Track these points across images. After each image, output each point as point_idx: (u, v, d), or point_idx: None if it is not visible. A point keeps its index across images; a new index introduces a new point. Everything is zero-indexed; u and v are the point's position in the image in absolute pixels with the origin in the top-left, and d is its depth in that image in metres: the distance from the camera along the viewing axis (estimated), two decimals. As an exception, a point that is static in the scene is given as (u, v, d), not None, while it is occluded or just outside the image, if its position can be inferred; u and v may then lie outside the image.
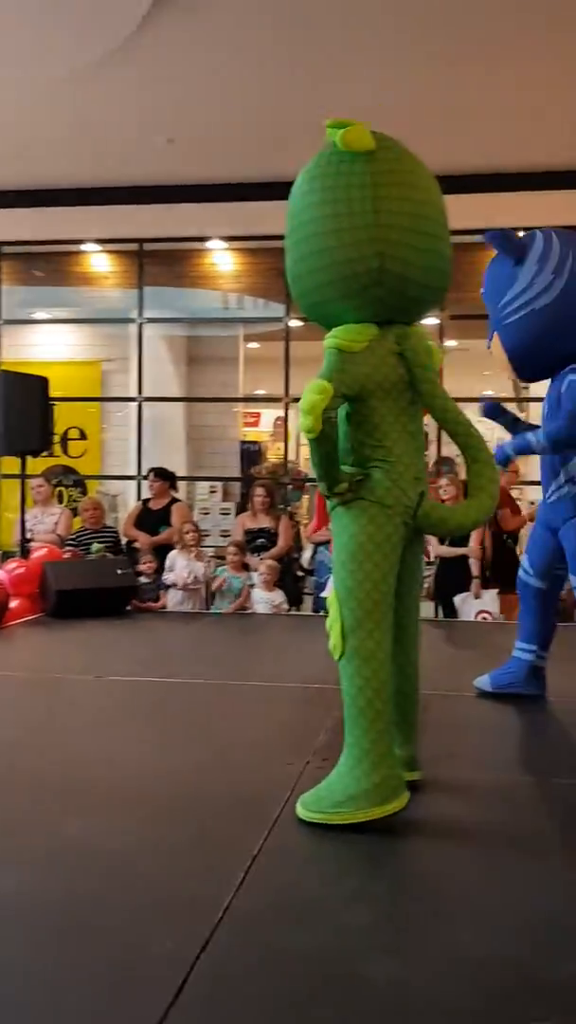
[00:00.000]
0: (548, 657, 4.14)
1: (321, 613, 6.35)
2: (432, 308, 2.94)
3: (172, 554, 6.87)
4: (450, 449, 9.28)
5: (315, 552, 7.09)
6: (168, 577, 6.79)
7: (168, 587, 6.82)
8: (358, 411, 2.73)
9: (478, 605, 6.80)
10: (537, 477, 4.28)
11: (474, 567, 6.80)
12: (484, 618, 6.76)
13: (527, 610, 4.17)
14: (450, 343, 9.61)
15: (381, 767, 2.59)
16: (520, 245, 3.85)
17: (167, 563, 6.85)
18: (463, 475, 3.07)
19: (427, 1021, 1.68)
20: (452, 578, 6.86)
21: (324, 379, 2.57)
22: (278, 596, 6.76)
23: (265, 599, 6.71)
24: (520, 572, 4.21)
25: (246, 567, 6.90)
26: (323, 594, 6.41)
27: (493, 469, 2.80)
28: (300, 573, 7.51)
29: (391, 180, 2.63)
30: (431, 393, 2.75)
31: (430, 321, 9.02)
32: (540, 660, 4.15)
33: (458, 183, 7.90)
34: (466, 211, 7.63)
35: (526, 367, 4.01)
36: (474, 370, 9.99)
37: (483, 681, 4.20)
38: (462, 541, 6.68)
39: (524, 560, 4.19)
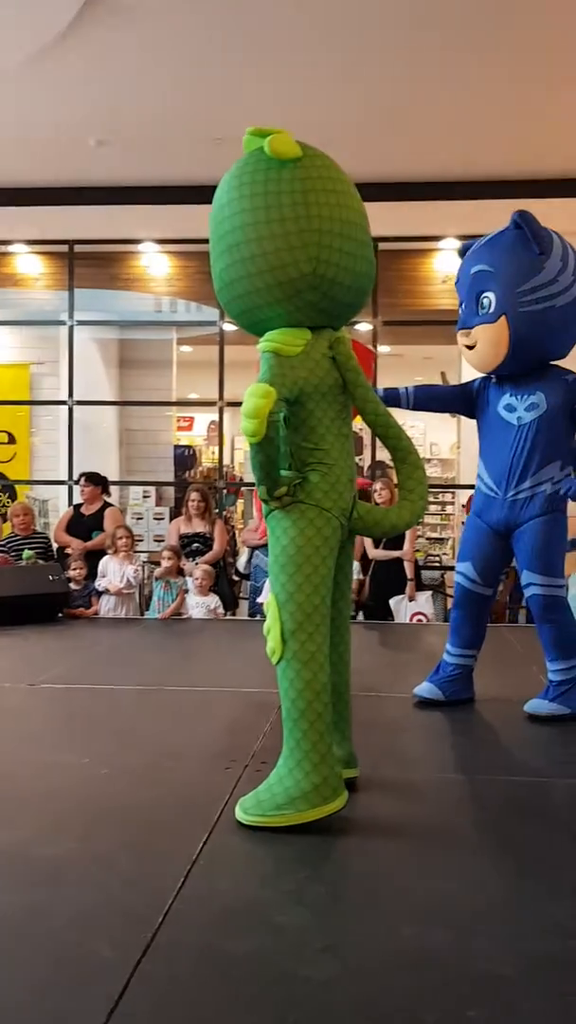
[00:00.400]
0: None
1: (258, 617, 6.37)
2: (357, 312, 2.98)
3: (104, 560, 6.81)
4: (385, 453, 9.40)
5: (251, 556, 7.09)
6: (101, 583, 6.72)
7: (100, 593, 6.76)
8: (295, 414, 2.74)
9: (413, 607, 6.88)
10: (466, 480, 4.34)
11: (408, 569, 6.87)
12: (419, 620, 6.85)
13: (468, 617, 4.15)
14: (383, 348, 9.71)
15: (322, 768, 2.60)
16: (546, 235, 3.87)
17: (100, 569, 6.79)
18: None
19: (366, 1018, 1.69)
20: (387, 581, 6.93)
21: (266, 383, 2.57)
22: (213, 600, 6.75)
23: (200, 603, 6.69)
24: (461, 580, 4.16)
25: (180, 572, 6.88)
26: (260, 599, 6.43)
27: (422, 471, 2.86)
28: (236, 577, 7.50)
29: (321, 186, 2.66)
30: (363, 397, 2.80)
31: (363, 327, 9.12)
32: (474, 662, 4.21)
33: (392, 190, 8.03)
34: (398, 219, 7.78)
35: (519, 358, 3.94)
36: (406, 375, 10.12)
37: (429, 690, 4.15)
38: (396, 543, 6.75)
39: (466, 568, 4.13)
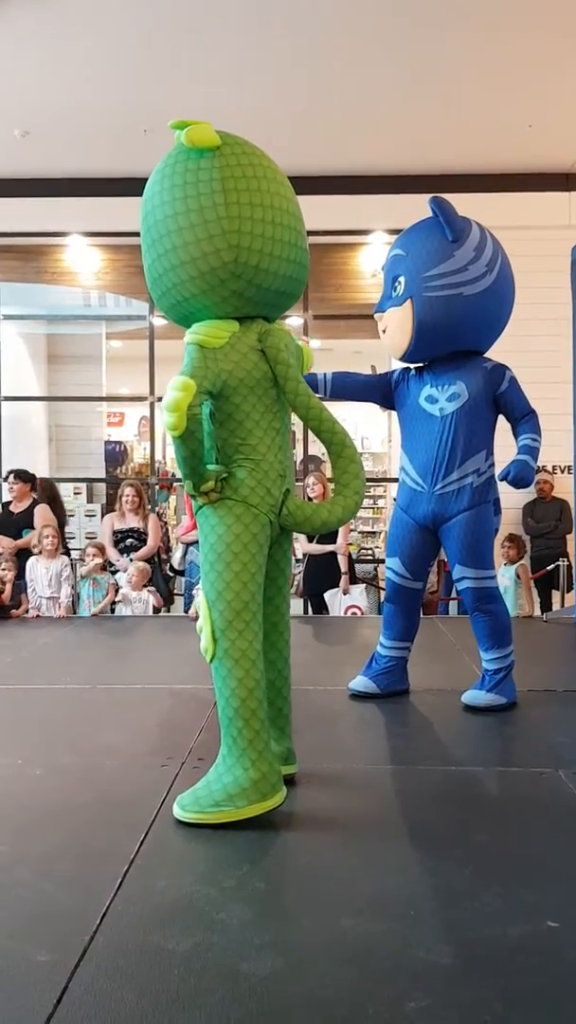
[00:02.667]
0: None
1: (190, 615, 6.34)
2: (292, 302, 2.93)
3: (31, 561, 6.69)
4: (317, 447, 9.41)
5: (186, 552, 7.05)
6: (34, 593, 6.63)
7: (26, 591, 6.67)
8: (221, 408, 2.72)
9: (347, 600, 6.92)
10: (391, 473, 4.35)
11: (342, 563, 6.91)
12: (353, 613, 6.89)
13: (402, 612, 4.17)
14: (314, 343, 9.73)
15: (260, 764, 2.60)
16: (461, 223, 3.86)
17: (27, 573, 6.68)
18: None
19: (308, 1011, 1.69)
20: (321, 574, 6.96)
21: (187, 376, 2.55)
22: (147, 595, 6.70)
23: (137, 598, 6.64)
24: (390, 575, 4.18)
25: (107, 567, 6.82)
26: (195, 593, 6.41)
27: (358, 465, 2.79)
28: (171, 573, 7.45)
29: (239, 174, 2.63)
30: (293, 391, 2.74)
31: (294, 320, 9.13)
32: (408, 653, 4.24)
33: (321, 184, 8.06)
34: (327, 213, 7.80)
35: (424, 345, 3.95)
36: (336, 369, 10.15)
37: (363, 683, 4.16)
38: (330, 538, 6.77)
39: (395, 564, 4.14)
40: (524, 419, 3.95)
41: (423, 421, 4.00)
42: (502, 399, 3.94)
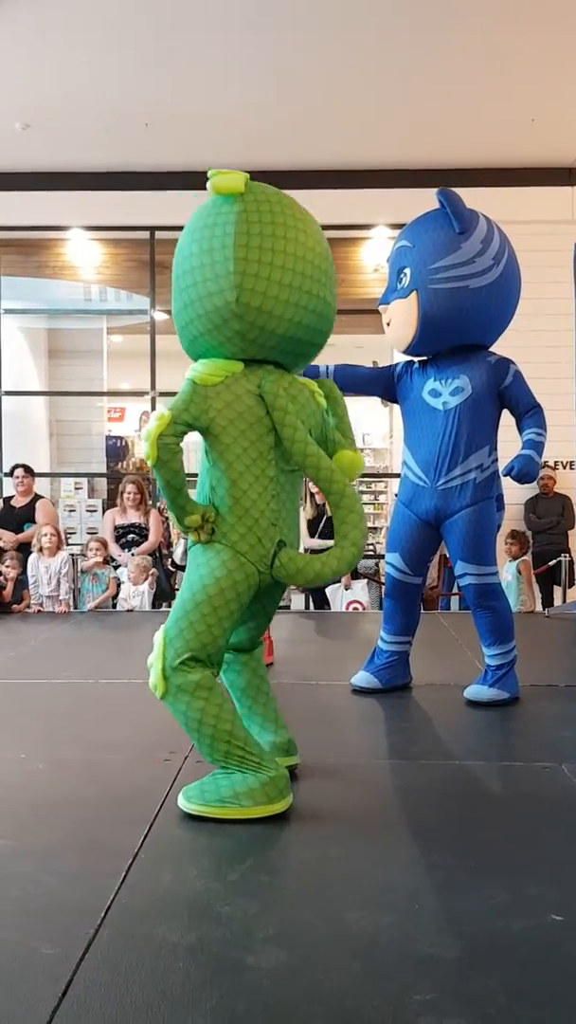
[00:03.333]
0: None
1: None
2: (312, 351, 2.90)
3: (33, 560, 6.69)
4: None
5: (187, 547, 7.04)
6: (36, 590, 6.63)
7: (28, 587, 6.68)
8: (212, 447, 2.70)
9: (349, 595, 6.93)
10: (399, 469, 4.31)
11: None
12: (355, 608, 6.89)
13: (402, 607, 4.15)
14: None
15: (267, 768, 2.63)
16: (469, 215, 3.84)
17: (29, 570, 6.68)
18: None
19: (312, 1004, 1.69)
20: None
21: (169, 408, 2.61)
22: (145, 586, 6.71)
23: (136, 592, 6.65)
24: (390, 571, 4.16)
25: (108, 561, 6.83)
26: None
27: (357, 515, 2.72)
28: (172, 568, 7.45)
29: (255, 219, 2.64)
30: (289, 437, 2.67)
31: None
32: (409, 647, 4.23)
33: (324, 178, 8.04)
34: (329, 207, 7.78)
35: (429, 338, 3.93)
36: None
37: (365, 679, 4.15)
38: (332, 533, 6.76)
39: (395, 559, 4.12)
40: (529, 413, 3.92)
41: (426, 415, 3.98)
42: (506, 393, 3.92)
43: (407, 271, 3.90)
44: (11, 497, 7.50)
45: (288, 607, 6.33)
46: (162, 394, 9.42)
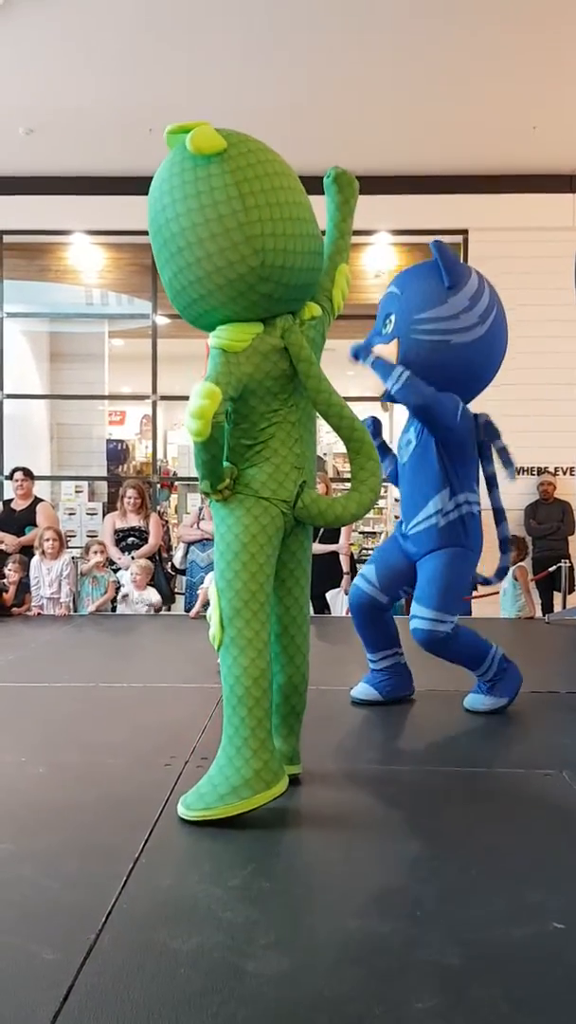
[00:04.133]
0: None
1: (191, 614, 6.35)
2: (314, 290, 2.89)
3: (35, 563, 6.69)
4: (320, 448, 9.40)
5: (187, 552, 7.05)
6: (37, 592, 6.63)
7: (30, 590, 6.67)
8: (238, 410, 2.74)
9: (349, 600, 6.91)
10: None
11: (344, 563, 6.91)
12: (354, 613, 6.87)
13: (369, 623, 4.05)
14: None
15: (261, 753, 2.62)
16: (461, 270, 3.80)
17: (31, 573, 6.67)
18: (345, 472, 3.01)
19: (314, 1011, 1.69)
20: (323, 574, 6.94)
21: (212, 382, 2.55)
22: (152, 595, 6.70)
23: (141, 599, 6.64)
24: (359, 583, 4.06)
25: (109, 564, 6.83)
26: (200, 589, 6.43)
27: (375, 463, 2.79)
28: (172, 572, 7.45)
29: (251, 174, 2.57)
30: (315, 388, 2.74)
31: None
32: (401, 658, 4.12)
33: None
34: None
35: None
36: (338, 369, 10.14)
37: (364, 691, 4.10)
38: (332, 538, 6.77)
39: (369, 571, 4.04)
40: None
41: (402, 463, 4.01)
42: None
43: (392, 317, 3.88)
44: (11, 500, 7.51)
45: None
46: (163, 397, 9.43)
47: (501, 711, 3.88)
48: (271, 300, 2.68)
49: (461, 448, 3.82)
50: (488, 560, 3.98)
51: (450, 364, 3.76)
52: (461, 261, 3.80)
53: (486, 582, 4.26)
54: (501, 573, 4.15)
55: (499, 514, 4.03)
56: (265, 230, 2.57)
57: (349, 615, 6.78)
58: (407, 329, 3.79)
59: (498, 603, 7.04)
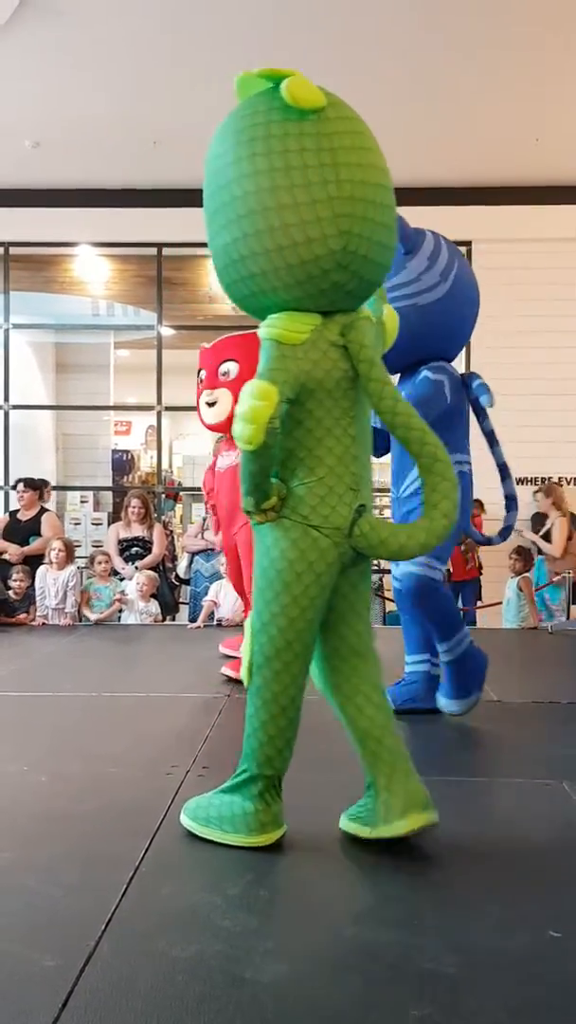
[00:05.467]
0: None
1: (190, 627, 6.38)
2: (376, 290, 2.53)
3: (41, 572, 6.71)
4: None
5: (191, 561, 7.07)
6: (43, 602, 6.65)
7: (35, 601, 6.70)
8: (291, 415, 2.34)
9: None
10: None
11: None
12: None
13: (411, 619, 4.02)
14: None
15: (265, 797, 2.48)
16: (415, 235, 3.82)
17: (37, 582, 6.69)
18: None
19: (311, 1019, 1.70)
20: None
21: (266, 380, 2.21)
22: (153, 606, 6.72)
23: (143, 609, 6.67)
24: (394, 582, 4.03)
25: (115, 574, 6.86)
26: (203, 600, 6.44)
27: (450, 483, 2.36)
28: (176, 582, 7.47)
29: (349, 143, 2.20)
30: (377, 393, 2.35)
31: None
32: (436, 668, 4.01)
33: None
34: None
35: (387, 359, 3.92)
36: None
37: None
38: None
39: (394, 569, 4.02)
40: None
41: None
42: None
43: None
44: (17, 511, 7.55)
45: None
46: (168, 408, 9.47)
47: (470, 710, 3.84)
48: (340, 292, 2.32)
49: (449, 415, 3.79)
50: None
51: (424, 325, 3.74)
52: (416, 227, 3.82)
53: (488, 542, 4.24)
54: (505, 533, 4.09)
55: (503, 470, 4.03)
56: (356, 211, 2.21)
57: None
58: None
59: (500, 615, 7.06)
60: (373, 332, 2.45)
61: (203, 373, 4.58)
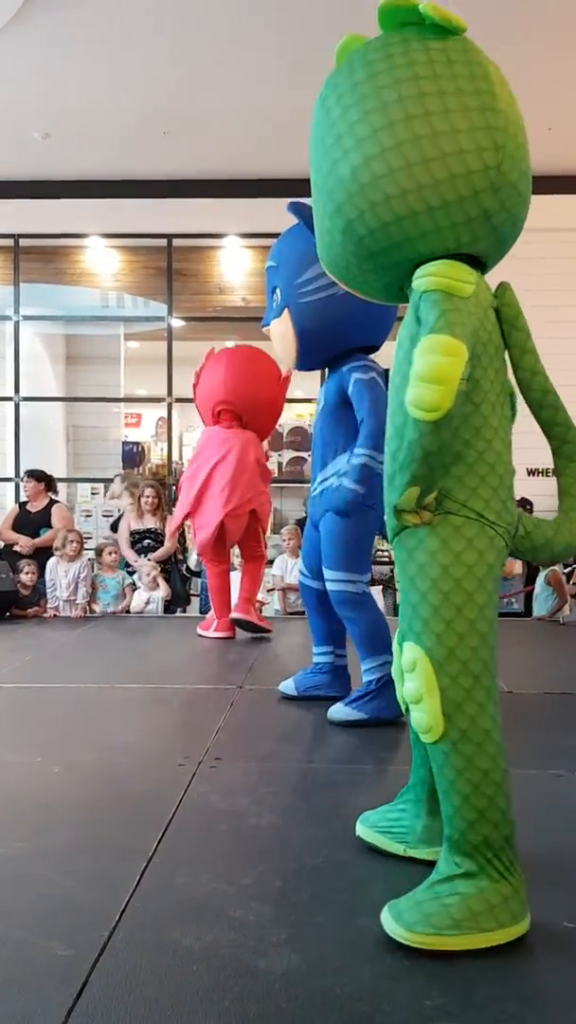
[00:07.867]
0: (347, 655, 4.02)
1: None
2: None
3: (51, 564, 6.72)
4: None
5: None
6: (53, 593, 6.67)
7: (46, 593, 6.72)
8: None
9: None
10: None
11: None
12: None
13: (313, 613, 4.03)
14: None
15: (511, 876, 1.98)
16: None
17: (47, 574, 6.71)
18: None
19: (325, 1009, 1.70)
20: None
21: (448, 334, 1.82)
22: (163, 588, 6.75)
23: (153, 597, 6.69)
24: (299, 576, 4.08)
25: (126, 567, 6.88)
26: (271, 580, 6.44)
27: None
28: (187, 574, 7.49)
29: (493, 69, 2.00)
30: (531, 367, 2.06)
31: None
32: (340, 659, 4.04)
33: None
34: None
35: (310, 354, 3.84)
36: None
37: (287, 686, 4.06)
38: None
39: (300, 563, 4.08)
40: (359, 427, 3.68)
41: (316, 427, 3.96)
42: (352, 401, 3.73)
43: (277, 290, 3.85)
44: (27, 502, 7.57)
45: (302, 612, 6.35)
46: (179, 400, 9.47)
47: (357, 725, 3.61)
48: (486, 227, 1.98)
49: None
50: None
51: (344, 314, 3.65)
52: None
53: None
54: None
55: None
56: (510, 127, 1.94)
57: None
58: (293, 296, 3.75)
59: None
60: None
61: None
